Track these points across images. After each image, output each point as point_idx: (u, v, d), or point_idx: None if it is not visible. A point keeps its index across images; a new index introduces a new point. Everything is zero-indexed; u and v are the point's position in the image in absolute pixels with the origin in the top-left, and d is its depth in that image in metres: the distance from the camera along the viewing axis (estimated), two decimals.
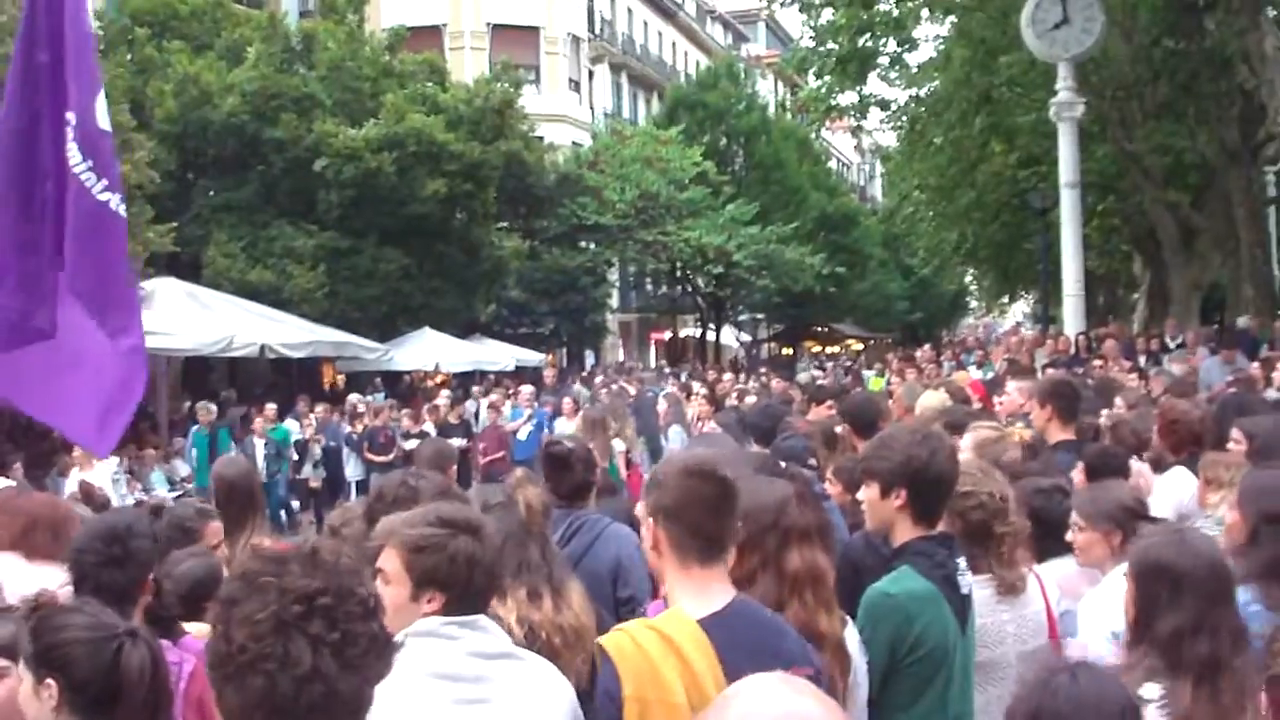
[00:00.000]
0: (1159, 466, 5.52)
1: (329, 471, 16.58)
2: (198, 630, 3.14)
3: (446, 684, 2.36)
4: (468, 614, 2.43)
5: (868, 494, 3.26)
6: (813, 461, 5.45)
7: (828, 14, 21.06)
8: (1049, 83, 18.16)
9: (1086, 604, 3.60)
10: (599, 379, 23.03)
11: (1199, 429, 5.55)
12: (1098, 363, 13.46)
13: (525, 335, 29.54)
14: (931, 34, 24.18)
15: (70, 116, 4.53)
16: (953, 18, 21.72)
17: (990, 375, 12.75)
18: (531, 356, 26.38)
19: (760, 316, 46.97)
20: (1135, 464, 5.13)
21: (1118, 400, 7.59)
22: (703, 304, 39.02)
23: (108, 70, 15.51)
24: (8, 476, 9.40)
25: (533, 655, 2.61)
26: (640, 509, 2.72)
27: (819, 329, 49.05)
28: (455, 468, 5.65)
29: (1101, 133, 20.56)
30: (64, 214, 4.52)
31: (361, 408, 17.32)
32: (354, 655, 1.66)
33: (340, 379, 24.32)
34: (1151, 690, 2.61)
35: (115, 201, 4.64)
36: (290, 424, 16.78)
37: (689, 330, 43.25)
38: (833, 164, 57.84)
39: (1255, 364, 11.30)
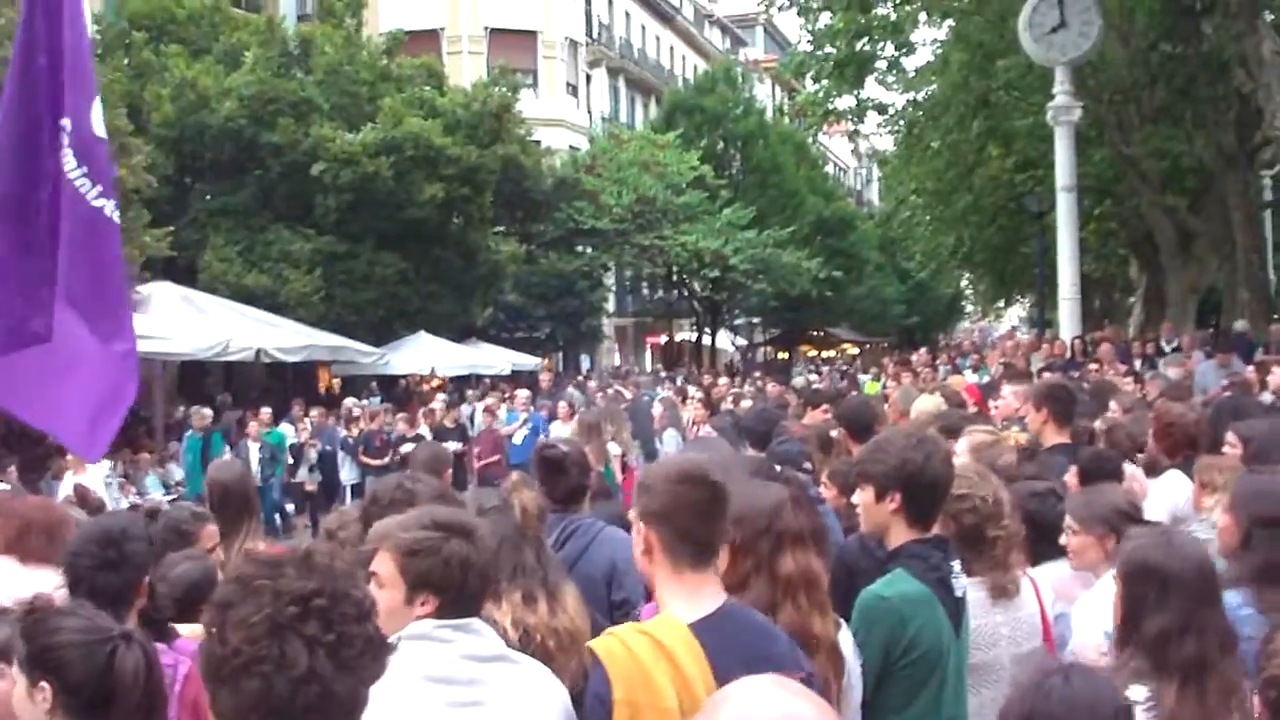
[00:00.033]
0: (1154, 470, 5.52)
1: (324, 475, 16.53)
2: (192, 633, 3.14)
3: (440, 687, 2.36)
4: (462, 617, 2.43)
5: (863, 497, 3.28)
6: (808, 465, 5.46)
7: (825, 18, 21.05)
8: (1046, 87, 18.18)
9: (1081, 607, 3.61)
10: (595, 383, 23.04)
11: (1194, 432, 5.56)
12: (1093, 366, 13.48)
13: (521, 339, 29.56)
14: (929, 38, 24.12)
15: (65, 123, 4.54)
16: (950, 22, 21.72)
17: (986, 379, 12.75)
18: (527, 360, 26.38)
19: (756, 320, 46.98)
20: (1129, 468, 5.14)
21: (1113, 404, 7.60)
22: (699, 308, 39.03)
23: (105, 74, 15.50)
24: (2, 480, 9.39)
25: (527, 658, 2.62)
26: (631, 513, 2.72)
27: (815, 333, 49.10)
28: (450, 471, 5.63)
29: (1099, 136, 20.56)
30: (59, 220, 4.52)
31: (357, 411, 17.29)
32: (349, 656, 1.66)
33: (336, 383, 24.30)
34: (1138, 692, 2.61)
35: (109, 208, 4.65)
36: (285, 428, 16.75)
37: (685, 334, 43.25)
38: (830, 168, 57.85)
39: (1250, 368, 11.30)
